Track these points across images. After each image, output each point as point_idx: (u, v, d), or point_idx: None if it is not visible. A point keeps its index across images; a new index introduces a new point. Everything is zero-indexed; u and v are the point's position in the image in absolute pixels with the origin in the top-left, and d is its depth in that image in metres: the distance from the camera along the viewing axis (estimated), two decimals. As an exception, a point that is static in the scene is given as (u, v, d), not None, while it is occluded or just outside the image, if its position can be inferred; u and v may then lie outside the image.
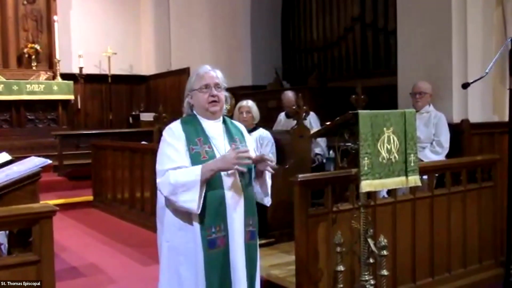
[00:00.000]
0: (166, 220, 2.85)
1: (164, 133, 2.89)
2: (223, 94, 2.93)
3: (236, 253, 2.79)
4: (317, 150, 6.78)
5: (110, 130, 11.23)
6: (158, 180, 2.77)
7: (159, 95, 13.40)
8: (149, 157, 7.13)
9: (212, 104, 2.89)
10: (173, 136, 2.84)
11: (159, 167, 2.81)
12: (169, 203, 2.80)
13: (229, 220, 2.77)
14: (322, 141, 6.76)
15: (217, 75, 2.94)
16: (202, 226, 2.74)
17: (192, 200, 2.67)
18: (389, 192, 4.23)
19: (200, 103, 2.91)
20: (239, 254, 2.80)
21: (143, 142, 8.44)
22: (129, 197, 7.83)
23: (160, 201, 2.93)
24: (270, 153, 5.66)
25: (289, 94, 7.19)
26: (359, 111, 3.23)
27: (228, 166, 2.72)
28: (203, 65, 3.00)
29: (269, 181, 2.99)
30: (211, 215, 2.74)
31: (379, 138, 3.25)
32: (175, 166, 2.75)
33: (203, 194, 2.71)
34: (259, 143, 5.73)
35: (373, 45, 8.70)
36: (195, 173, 2.69)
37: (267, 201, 3.00)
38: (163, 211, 2.88)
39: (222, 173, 2.77)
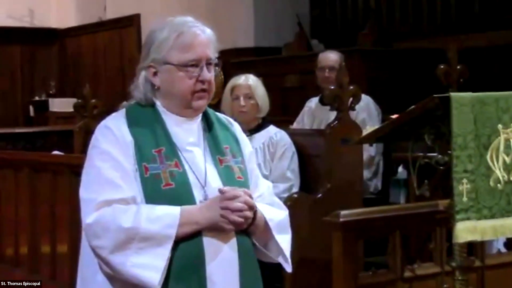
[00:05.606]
0: None
1: (97, 134, 2.07)
2: (213, 76, 2.06)
3: None
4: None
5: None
6: (88, 220, 1.93)
7: (85, 66, 9.56)
8: (66, 179, 4.69)
9: (200, 96, 2.03)
10: (113, 142, 2.01)
11: (87, 194, 2.00)
12: (106, 267, 1.94)
13: None
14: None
15: (210, 40, 2.04)
16: None
17: (153, 267, 1.87)
18: (509, 243, 3.40)
19: (178, 90, 2.03)
20: None
21: (55, 152, 5.87)
22: (28, 254, 5.01)
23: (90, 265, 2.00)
24: (288, 170, 4.23)
25: (332, 57, 5.41)
26: (452, 93, 2.54)
27: (215, 220, 1.95)
28: (182, 17, 2.04)
29: (285, 235, 2.09)
30: None
31: (490, 143, 2.53)
32: (121, 197, 1.93)
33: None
34: (268, 153, 4.21)
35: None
36: (171, 220, 1.92)
37: (287, 266, 2.17)
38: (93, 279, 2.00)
39: None
